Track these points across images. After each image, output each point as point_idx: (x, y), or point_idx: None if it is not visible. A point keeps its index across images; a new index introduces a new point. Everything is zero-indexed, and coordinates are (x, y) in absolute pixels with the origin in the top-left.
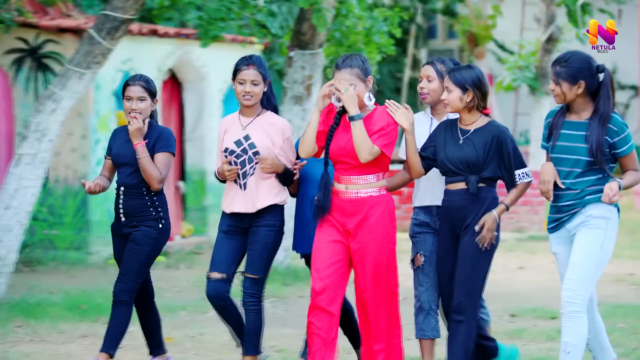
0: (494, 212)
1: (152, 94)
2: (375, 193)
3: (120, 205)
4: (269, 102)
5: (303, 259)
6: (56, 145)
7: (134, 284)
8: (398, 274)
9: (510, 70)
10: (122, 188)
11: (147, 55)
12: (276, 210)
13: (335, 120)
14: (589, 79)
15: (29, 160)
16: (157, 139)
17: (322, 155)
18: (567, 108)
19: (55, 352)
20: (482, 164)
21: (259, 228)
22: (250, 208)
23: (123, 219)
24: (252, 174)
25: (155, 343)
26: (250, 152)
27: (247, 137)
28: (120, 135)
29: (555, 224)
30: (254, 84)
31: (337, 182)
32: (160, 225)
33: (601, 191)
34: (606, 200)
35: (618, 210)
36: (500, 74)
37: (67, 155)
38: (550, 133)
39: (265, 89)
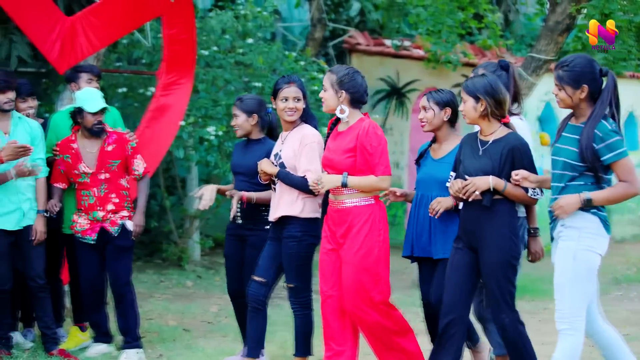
0: (489, 179)
1: (246, 112)
2: (360, 203)
3: (238, 209)
4: (310, 118)
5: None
6: None
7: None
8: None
9: None
10: None
11: None
12: (296, 221)
13: (328, 133)
14: (592, 83)
15: None
16: (266, 156)
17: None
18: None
19: None
20: (497, 175)
21: (283, 239)
22: (272, 216)
23: (240, 221)
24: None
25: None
26: (278, 164)
27: (281, 150)
28: (240, 148)
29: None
30: (297, 100)
31: (330, 192)
32: (268, 227)
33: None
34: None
35: (602, 221)
36: None
37: None
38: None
39: (304, 106)
